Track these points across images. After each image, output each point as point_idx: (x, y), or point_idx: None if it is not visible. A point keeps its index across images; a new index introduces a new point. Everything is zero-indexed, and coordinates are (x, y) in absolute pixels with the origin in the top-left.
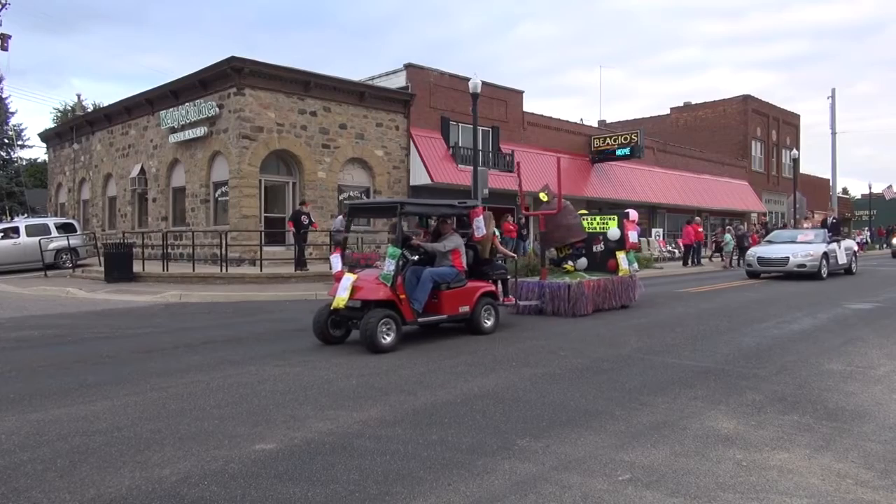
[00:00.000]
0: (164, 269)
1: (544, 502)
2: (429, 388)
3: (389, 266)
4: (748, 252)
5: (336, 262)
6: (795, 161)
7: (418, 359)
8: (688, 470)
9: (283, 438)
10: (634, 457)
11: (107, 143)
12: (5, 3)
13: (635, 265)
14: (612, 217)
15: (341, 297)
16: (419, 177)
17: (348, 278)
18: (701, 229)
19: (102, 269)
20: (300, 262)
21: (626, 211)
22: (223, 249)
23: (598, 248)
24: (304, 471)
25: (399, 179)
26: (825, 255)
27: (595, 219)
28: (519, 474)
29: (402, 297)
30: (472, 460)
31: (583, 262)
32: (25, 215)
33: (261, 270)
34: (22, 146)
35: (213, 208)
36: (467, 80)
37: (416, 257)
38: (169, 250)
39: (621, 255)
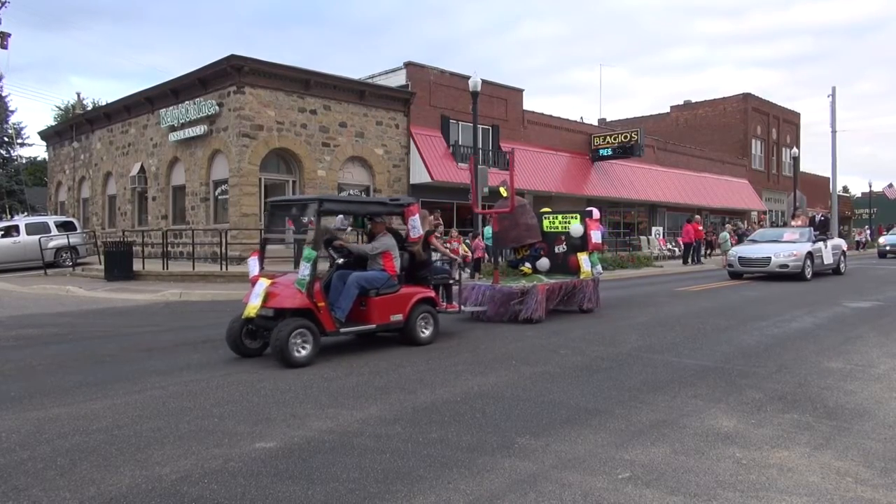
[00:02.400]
0: (164, 268)
1: (544, 500)
2: (429, 386)
3: (304, 270)
4: (729, 252)
5: (254, 265)
6: (795, 159)
7: (418, 357)
8: (687, 468)
9: (283, 437)
10: (634, 455)
11: (107, 142)
12: (5, 2)
13: (598, 267)
14: (574, 216)
15: (252, 305)
16: (419, 175)
17: (261, 284)
18: (701, 228)
19: (102, 267)
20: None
21: (589, 210)
22: (223, 248)
23: (561, 248)
24: (304, 469)
25: (399, 178)
26: (809, 254)
27: (557, 218)
28: (519, 473)
29: (321, 304)
30: (472, 459)
31: (545, 262)
32: (25, 214)
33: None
34: (22, 144)
35: (213, 207)
36: (467, 78)
37: (341, 260)
38: (169, 249)
39: (583, 257)
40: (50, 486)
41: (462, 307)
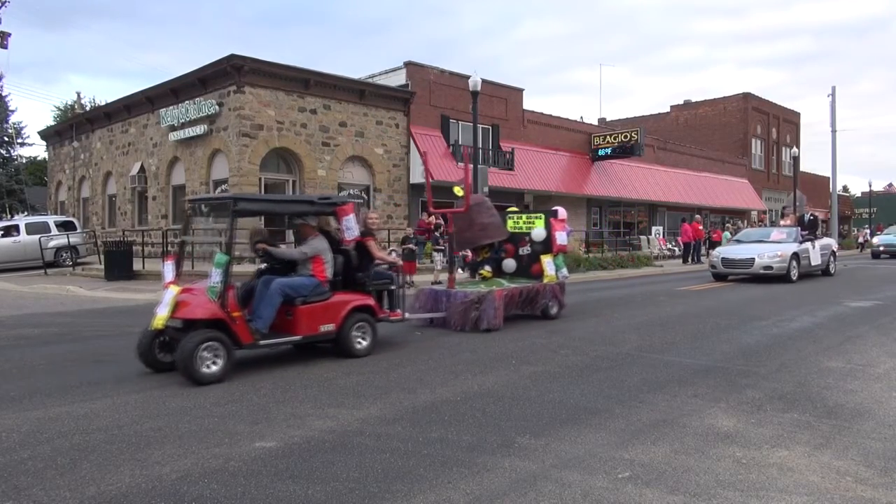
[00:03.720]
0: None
1: (544, 500)
2: (429, 386)
3: (215, 277)
4: (713, 252)
5: (168, 271)
6: (795, 159)
7: (418, 357)
8: (687, 468)
9: (283, 436)
10: (634, 454)
11: (107, 141)
12: (5, 1)
13: (564, 271)
14: (538, 216)
15: (160, 316)
16: (419, 175)
17: (170, 292)
18: (701, 227)
19: (102, 267)
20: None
21: (554, 209)
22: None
23: (525, 250)
24: (305, 469)
25: (399, 177)
26: (795, 255)
27: (521, 217)
28: (519, 472)
29: (236, 314)
30: (472, 458)
31: (510, 264)
32: (25, 213)
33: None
34: (22, 144)
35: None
36: (467, 77)
37: (263, 265)
38: (169, 248)
39: (547, 260)
40: (50, 486)
41: (406, 314)
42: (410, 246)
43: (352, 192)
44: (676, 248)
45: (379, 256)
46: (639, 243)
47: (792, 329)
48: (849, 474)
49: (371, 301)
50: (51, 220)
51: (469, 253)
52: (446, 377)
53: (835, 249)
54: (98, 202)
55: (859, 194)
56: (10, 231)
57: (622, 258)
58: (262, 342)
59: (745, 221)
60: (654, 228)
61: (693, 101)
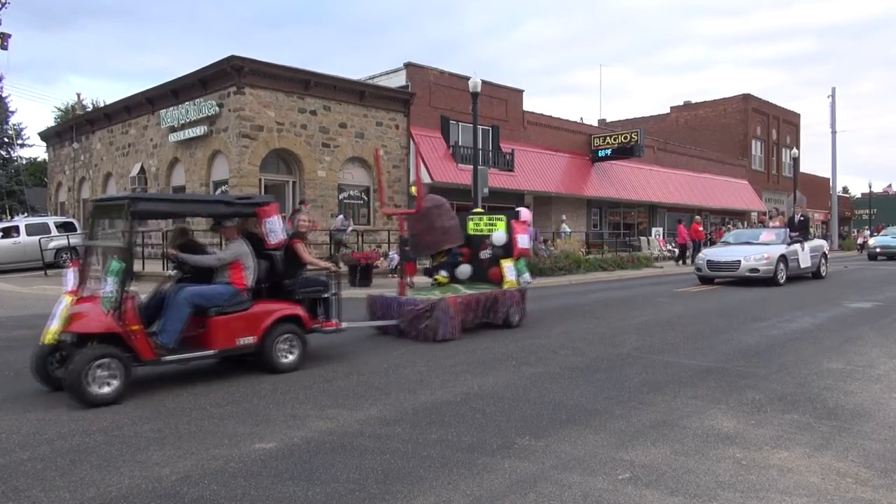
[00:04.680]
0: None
1: (544, 501)
2: (428, 387)
3: (109, 286)
4: (698, 255)
5: (70, 279)
6: (795, 160)
7: (418, 358)
8: (688, 469)
9: (283, 437)
10: (634, 456)
11: (107, 142)
12: (5, 2)
13: (526, 276)
14: (499, 217)
15: (51, 330)
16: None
17: (62, 302)
18: (701, 228)
19: (102, 267)
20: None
21: (517, 210)
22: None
23: (485, 254)
24: (305, 470)
25: (399, 178)
26: (783, 257)
27: (482, 219)
28: (519, 473)
29: (135, 327)
30: (472, 459)
31: (466, 270)
32: (25, 214)
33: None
34: (22, 145)
35: None
36: (467, 79)
37: (172, 272)
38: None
39: (507, 265)
40: (50, 487)
41: (345, 323)
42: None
43: (351, 193)
44: (676, 250)
45: (309, 261)
46: (639, 244)
47: (792, 330)
48: (849, 475)
49: (299, 310)
50: (51, 221)
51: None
52: (446, 378)
53: (826, 251)
54: None
55: (859, 195)
56: (10, 232)
57: (622, 259)
58: (166, 358)
59: (746, 222)
60: (654, 229)
61: (693, 101)
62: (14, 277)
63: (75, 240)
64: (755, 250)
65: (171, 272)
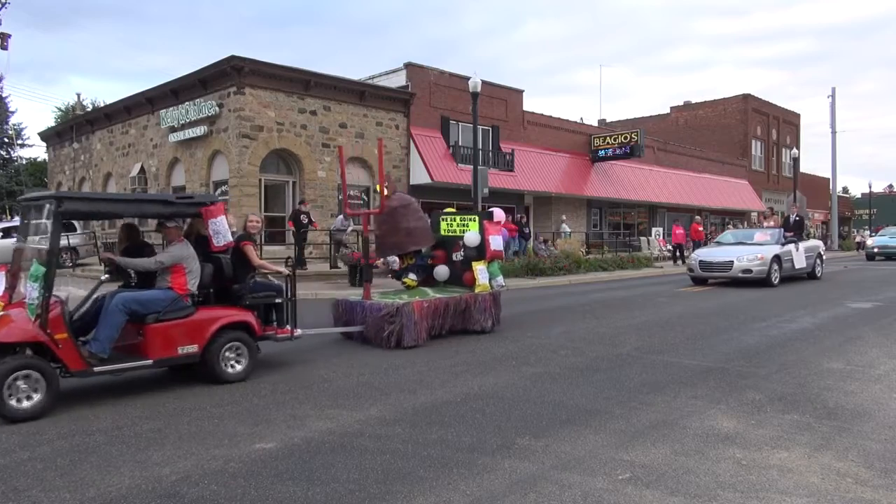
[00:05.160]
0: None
1: (544, 501)
2: (428, 387)
3: (32, 292)
4: (691, 255)
5: (0, 283)
6: (795, 160)
7: (418, 358)
8: (688, 469)
9: (282, 437)
10: (634, 456)
11: (107, 143)
12: (5, 2)
13: (499, 279)
14: (472, 218)
15: None
16: (419, 176)
17: None
18: (701, 228)
19: (102, 267)
20: (300, 262)
21: (490, 210)
22: None
23: (459, 256)
24: (304, 470)
25: (399, 178)
26: (777, 258)
27: (455, 220)
28: (519, 473)
29: (61, 336)
30: (472, 459)
31: (443, 272)
32: None
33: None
34: (22, 145)
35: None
36: (467, 79)
37: (105, 276)
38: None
39: (479, 267)
40: (50, 487)
41: (297, 330)
42: None
43: (352, 193)
44: (677, 250)
45: (259, 265)
46: (639, 244)
47: (792, 330)
48: (849, 475)
49: (248, 317)
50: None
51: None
52: (446, 378)
53: (822, 252)
54: None
55: (859, 195)
56: (10, 232)
57: (622, 259)
58: (98, 369)
59: (746, 223)
60: (654, 230)
61: (693, 102)
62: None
63: (76, 240)
64: (748, 251)
65: (104, 276)
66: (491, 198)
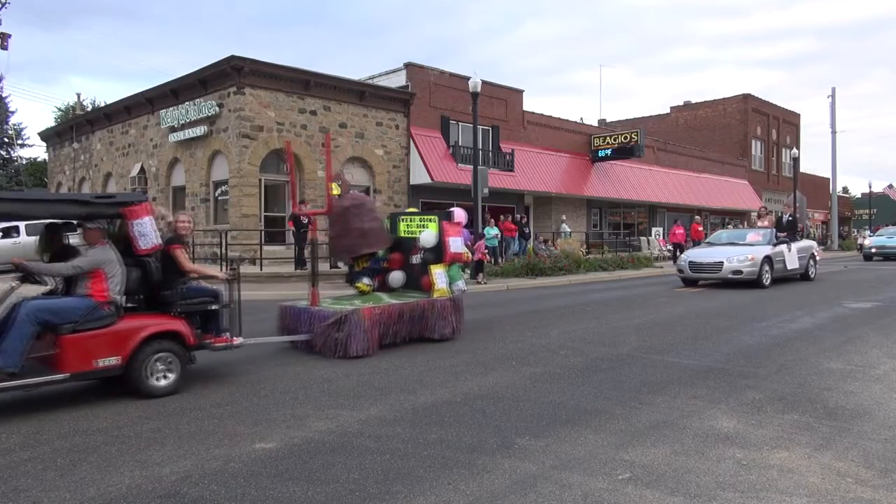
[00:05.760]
0: None
1: (544, 501)
2: (428, 387)
3: None
4: (681, 256)
5: None
6: (795, 160)
7: (418, 358)
8: (688, 469)
9: (283, 437)
10: (634, 456)
11: (107, 143)
12: (5, 2)
13: (460, 283)
14: (431, 218)
15: None
16: (419, 176)
17: None
18: (701, 228)
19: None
20: (300, 262)
21: (449, 210)
22: (223, 248)
23: (417, 258)
24: (304, 470)
25: (399, 178)
26: (768, 259)
27: (414, 220)
28: (519, 473)
29: None
30: (472, 459)
31: (398, 277)
32: None
33: (261, 269)
34: (22, 145)
35: (214, 207)
36: (467, 79)
37: (13, 283)
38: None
39: (437, 271)
40: (50, 487)
41: (237, 339)
42: None
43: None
44: (677, 250)
45: (191, 269)
46: (639, 244)
47: (792, 330)
48: (849, 475)
49: (179, 325)
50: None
51: (470, 255)
52: (446, 378)
53: (815, 252)
54: None
55: (859, 195)
56: (10, 232)
57: (622, 259)
58: (3, 385)
59: (746, 222)
60: (654, 230)
61: (693, 102)
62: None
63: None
64: (739, 251)
65: (13, 283)
66: (491, 198)
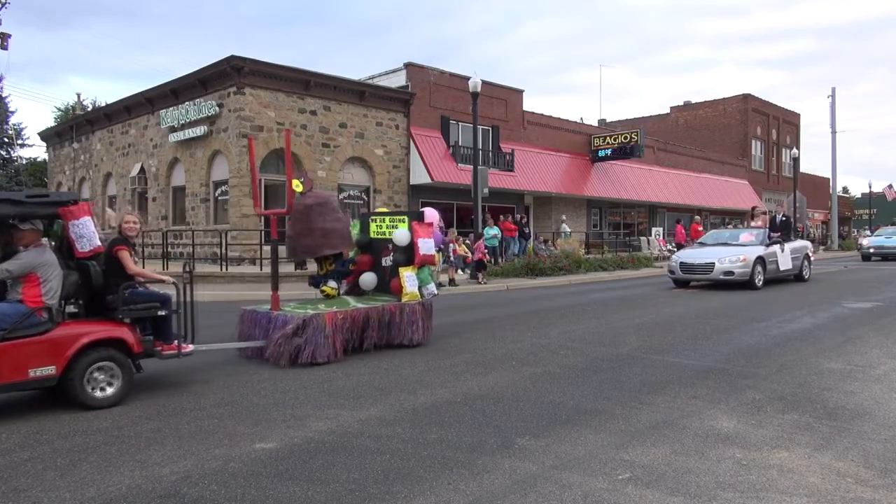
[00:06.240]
0: (164, 268)
1: (544, 501)
2: (428, 387)
3: None
4: (672, 257)
5: None
6: (795, 160)
7: (418, 358)
8: (688, 469)
9: (283, 437)
10: (634, 456)
11: (107, 142)
12: (5, 2)
13: (431, 286)
14: (401, 218)
15: None
16: (419, 176)
17: None
18: (701, 228)
19: None
20: (299, 262)
21: (421, 210)
22: (223, 248)
23: (388, 261)
24: (305, 470)
25: (399, 178)
26: (760, 259)
27: (385, 221)
28: (519, 473)
29: None
30: (472, 459)
31: (370, 280)
32: None
33: (261, 269)
34: (22, 145)
35: (213, 207)
36: (467, 79)
37: None
38: (169, 249)
39: (406, 273)
40: (50, 487)
41: (188, 346)
42: None
43: (351, 193)
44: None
45: (136, 272)
46: (639, 244)
47: (792, 330)
48: (849, 475)
49: (123, 332)
50: None
51: (470, 255)
52: (446, 378)
53: (810, 253)
54: (98, 203)
55: (859, 195)
56: None
57: (622, 259)
58: None
59: (746, 222)
60: (654, 230)
61: (693, 102)
62: None
63: None
64: (730, 252)
65: None
66: (491, 198)
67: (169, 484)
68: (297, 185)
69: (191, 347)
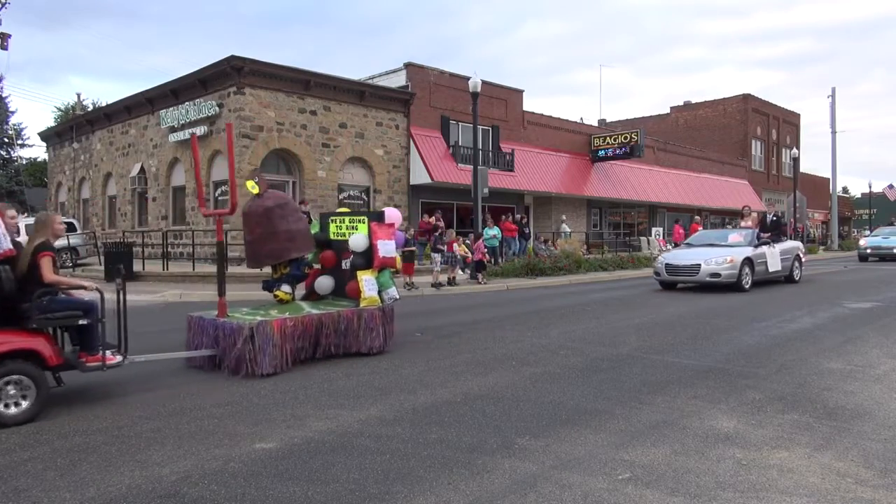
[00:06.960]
0: (164, 269)
1: (544, 501)
2: (428, 387)
3: None
4: (657, 259)
5: None
6: (795, 160)
7: (418, 358)
8: (688, 469)
9: (283, 437)
10: (634, 456)
11: (107, 143)
12: (5, 2)
13: (392, 290)
14: (361, 219)
15: None
16: (419, 176)
17: None
18: (701, 228)
19: (102, 268)
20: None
21: (381, 211)
22: (223, 248)
23: (347, 263)
24: (305, 470)
25: (399, 178)
26: (748, 261)
27: (345, 221)
28: (519, 473)
29: None
30: (471, 459)
31: (326, 283)
32: (26, 214)
33: (260, 269)
34: (22, 145)
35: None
36: (467, 79)
37: None
38: (169, 249)
39: (365, 277)
40: (50, 487)
41: (116, 356)
42: (411, 248)
43: (351, 193)
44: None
45: (53, 280)
46: (639, 244)
47: (792, 330)
48: (849, 475)
49: (37, 343)
50: None
51: (469, 255)
52: (446, 378)
53: (801, 254)
54: (98, 203)
55: (859, 195)
56: None
57: (622, 259)
58: None
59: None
60: (654, 229)
61: (693, 102)
62: None
63: (76, 240)
64: (717, 253)
65: None
66: (491, 198)
67: (169, 484)
68: (252, 187)
69: (117, 359)
